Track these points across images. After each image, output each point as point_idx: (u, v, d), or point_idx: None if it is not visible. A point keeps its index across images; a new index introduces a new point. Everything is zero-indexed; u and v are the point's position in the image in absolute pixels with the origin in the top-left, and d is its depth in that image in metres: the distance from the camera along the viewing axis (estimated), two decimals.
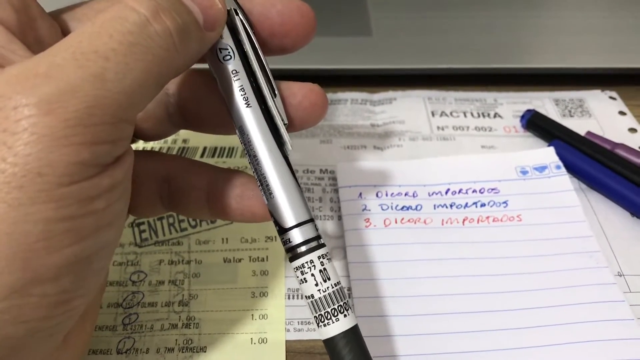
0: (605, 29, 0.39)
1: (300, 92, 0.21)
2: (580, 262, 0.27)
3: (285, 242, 0.20)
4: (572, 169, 0.31)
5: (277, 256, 0.27)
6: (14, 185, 0.14)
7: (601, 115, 0.35)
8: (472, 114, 0.35)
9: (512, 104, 0.36)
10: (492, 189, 0.30)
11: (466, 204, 0.29)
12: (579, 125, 0.34)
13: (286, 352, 0.24)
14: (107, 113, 0.15)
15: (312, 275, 0.19)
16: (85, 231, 0.16)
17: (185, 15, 0.18)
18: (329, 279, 0.19)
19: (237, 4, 0.20)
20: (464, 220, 0.29)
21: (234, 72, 0.20)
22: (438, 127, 0.34)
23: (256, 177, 0.20)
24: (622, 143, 0.32)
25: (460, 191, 0.30)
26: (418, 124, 0.35)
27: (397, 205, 0.29)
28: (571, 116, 0.35)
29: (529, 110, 0.34)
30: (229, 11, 0.20)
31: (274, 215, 0.20)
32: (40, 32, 0.18)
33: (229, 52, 0.20)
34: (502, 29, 0.39)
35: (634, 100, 0.37)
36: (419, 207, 0.29)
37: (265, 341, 0.24)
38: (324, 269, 0.19)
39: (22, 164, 0.14)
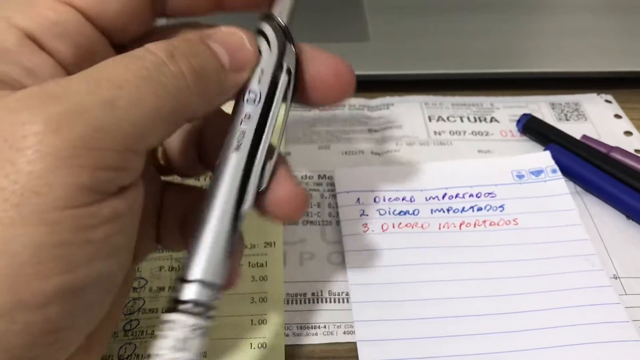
0: (601, 32, 0.40)
1: (324, 64, 0.20)
2: (576, 265, 0.27)
3: (176, 290, 0.18)
4: (568, 173, 0.31)
5: (276, 262, 0.28)
6: (11, 203, 0.14)
7: (597, 119, 0.36)
8: (468, 119, 0.36)
9: (508, 108, 0.37)
10: (489, 193, 0.30)
11: (463, 208, 0.30)
12: (575, 129, 0.34)
13: (285, 356, 0.24)
14: (113, 139, 0.15)
15: (174, 337, 0.17)
16: (77, 261, 0.15)
17: (205, 58, 0.18)
18: (185, 350, 0.18)
19: (297, 59, 0.20)
20: (460, 224, 0.29)
21: (247, 115, 0.19)
22: (435, 132, 0.35)
23: (199, 212, 0.19)
24: (617, 146, 0.32)
25: (457, 196, 0.30)
26: (415, 129, 0.35)
27: (395, 210, 0.29)
28: (567, 120, 0.36)
29: (525, 115, 0.34)
30: (281, 66, 0.20)
31: (186, 259, 0.19)
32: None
33: (255, 97, 0.19)
34: (499, 34, 0.39)
35: (629, 103, 0.37)
36: (416, 212, 0.29)
37: (264, 346, 0.25)
38: (189, 339, 0.18)
39: (22, 181, 0.14)
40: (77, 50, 0.18)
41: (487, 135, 0.35)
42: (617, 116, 0.36)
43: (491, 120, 0.36)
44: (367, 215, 0.29)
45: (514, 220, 0.29)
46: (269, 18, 0.20)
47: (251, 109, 0.19)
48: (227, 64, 0.18)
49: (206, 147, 0.22)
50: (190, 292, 0.18)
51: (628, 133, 0.35)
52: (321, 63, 0.20)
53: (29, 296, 0.14)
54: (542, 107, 0.37)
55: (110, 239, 0.16)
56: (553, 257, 0.27)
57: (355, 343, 0.24)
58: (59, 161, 0.14)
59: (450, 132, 0.35)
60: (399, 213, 0.29)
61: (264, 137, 0.19)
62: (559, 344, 0.24)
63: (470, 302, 0.26)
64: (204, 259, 0.18)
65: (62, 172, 0.14)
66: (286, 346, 0.24)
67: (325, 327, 0.25)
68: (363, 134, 0.35)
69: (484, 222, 0.29)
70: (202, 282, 0.18)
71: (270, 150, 0.20)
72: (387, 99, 0.37)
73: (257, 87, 0.19)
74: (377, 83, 0.37)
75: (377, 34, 0.39)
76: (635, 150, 0.33)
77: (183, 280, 0.18)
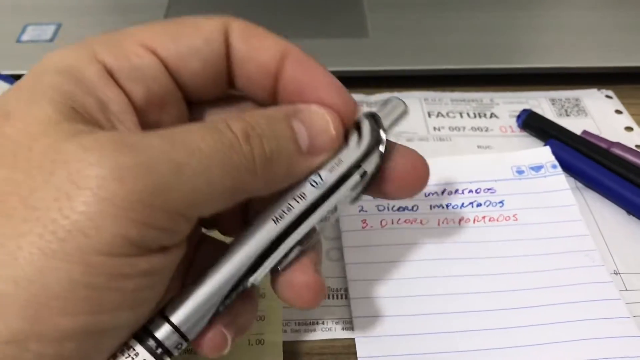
0: (601, 27, 0.39)
1: (403, 159, 0.21)
2: (576, 260, 0.27)
3: (150, 326, 0.18)
4: (568, 168, 0.31)
5: None
6: (57, 237, 0.14)
7: (597, 114, 0.35)
8: (468, 115, 0.35)
9: (508, 104, 0.36)
10: (488, 189, 0.30)
11: (462, 204, 0.29)
12: (575, 125, 0.34)
13: (284, 353, 0.24)
14: (170, 201, 0.15)
15: None
16: (105, 305, 0.15)
17: (282, 141, 0.18)
18: None
19: (379, 164, 0.19)
20: (460, 220, 0.29)
21: (302, 194, 0.19)
22: (434, 128, 0.34)
23: (213, 261, 0.19)
24: (618, 142, 0.32)
25: (456, 191, 0.30)
26: (414, 124, 0.35)
27: (394, 206, 0.29)
28: (567, 115, 0.35)
29: (525, 110, 0.34)
30: (359, 166, 0.19)
31: (177, 296, 0.18)
32: (164, 117, 0.19)
33: (319, 183, 0.19)
34: (498, 29, 0.39)
35: (630, 98, 0.37)
36: (415, 208, 0.29)
37: (262, 342, 0.24)
38: None
39: (73, 218, 0.14)
40: (150, 95, 0.18)
41: (486, 131, 0.34)
42: (618, 111, 0.36)
43: (491, 116, 0.35)
44: (366, 211, 0.29)
45: (513, 216, 0.29)
46: (373, 118, 0.20)
47: (309, 191, 0.19)
48: (305, 147, 0.18)
49: (253, 210, 0.22)
50: (162, 331, 0.18)
51: (629, 128, 0.34)
52: (400, 157, 0.21)
53: (48, 329, 0.15)
54: (542, 102, 0.36)
55: (140, 292, 0.16)
56: (553, 253, 0.27)
57: (353, 339, 0.24)
58: (114, 210, 0.15)
59: (449, 128, 0.34)
60: (398, 209, 0.29)
61: (307, 221, 0.19)
62: (559, 340, 0.24)
63: (470, 298, 0.25)
64: (189, 307, 0.18)
65: (113, 221, 0.15)
66: (284, 342, 0.24)
67: (323, 323, 0.25)
68: None
69: (484, 218, 0.29)
70: (176, 328, 0.18)
71: (308, 236, 0.19)
72: (387, 95, 0.37)
73: (327, 174, 0.19)
74: (376, 79, 0.37)
75: (376, 29, 0.39)
76: (636, 146, 0.33)
77: (163, 313, 0.18)
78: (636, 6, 0.41)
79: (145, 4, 0.42)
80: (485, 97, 0.37)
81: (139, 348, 0.17)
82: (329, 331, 0.25)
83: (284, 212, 0.18)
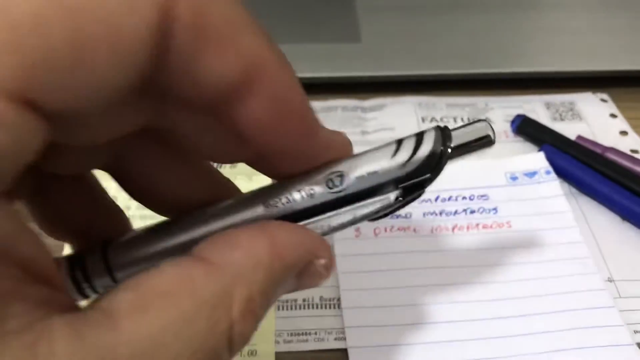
0: (596, 30, 0.39)
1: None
2: (570, 268, 0.27)
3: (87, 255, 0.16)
4: (563, 174, 0.31)
5: None
6: None
7: (592, 119, 0.35)
8: (462, 120, 0.35)
9: (503, 109, 0.36)
10: (482, 196, 0.30)
11: (455, 211, 0.29)
12: (569, 129, 0.34)
13: None
14: None
15: None
16: None
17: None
18: None
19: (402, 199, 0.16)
20: (453, 227, 0.28)
21: (310, 191, 0.15)
22: None
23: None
24: (612, 147, 0.32)
25: (449, 198, 0.30)
26: (408, 130, 0.34)
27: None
28: (562, 120, 0.35)
29: (519, 116, 0.34)
30: (393, 187, 0.16)
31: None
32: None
33: (337, 186, 0.15)
34: (492, 34, 0.39)
35: (625, 102, 0.36)
36: (408, 215, 0.29)
37: (255, 353, 0.24)
38: None
39: None
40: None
41: None
42: (613, 115, 0.36)
43: None
44: None
45: (507, 223, 0.29)
46: (442, 134, 0.16)
47: (320, 191, 0.15)
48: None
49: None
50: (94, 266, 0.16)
51: (624, 133, 0.34)
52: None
53: None
54: (536, 107, 0.36)
55: None
56: (547, 260, 0.27)
57: (346, 350, 0.24)
58: None
59: None
60: (391, 216, 0.29)
61: (304, 222, 0.16)
62: (552, 348, 0.24)
63: (463, 307, 0.25)
64: (131, 260, 0.16)
65: None
66: (276, 353, 0.24)
67: (316, 333, 0.25)
68: (356, 136, 0.34)
69: (477, 225, 0.29)
70: (110, 271, 0.16)
71: None
72: (380, 100, 0.37)
73: (350, 180, 0.15)
74: (369, 84, 0.37)
75: (369, 34, 0.39)
76: (631, 150, 0.33)
77: (106, 255, 0.16)
78: (631, 9, 0.41)
79: None
80: (479, 101, 0.37)
81: (64, 267, 0.16)
82: (321, 341, 0.25)
83: (279, 200, 0.15)
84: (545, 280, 0.26)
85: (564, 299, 0.25)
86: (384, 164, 0.16)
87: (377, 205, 0.16)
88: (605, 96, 0.37)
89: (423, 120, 0.35)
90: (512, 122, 0.34)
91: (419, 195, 0.16)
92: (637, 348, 0.24)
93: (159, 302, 0.12)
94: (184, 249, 0.15)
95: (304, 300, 0.26)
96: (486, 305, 0.25)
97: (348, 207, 0.16)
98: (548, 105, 0.36)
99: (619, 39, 0.39)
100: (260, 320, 0.14)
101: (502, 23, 0.40)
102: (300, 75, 0.15)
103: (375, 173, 0.16)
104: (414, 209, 0.29)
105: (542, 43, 0.39)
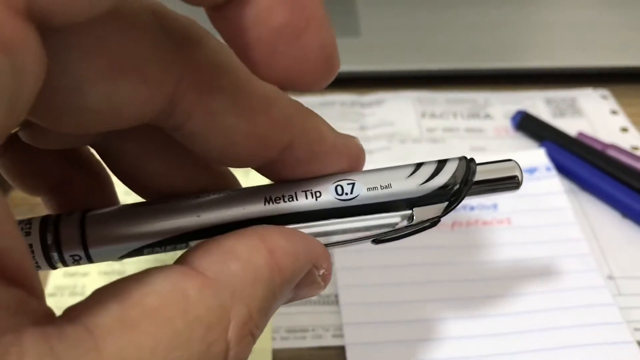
0: (597, 26, 0.39)
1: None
2: (570, 265, 0.26)
3: (63, 218, 0.15)
4: (563, 171, 0.31)
5: None
6: None
7: (593, 115, 0.35)
8: (462, 115, 0.35)
9: (503, 104, 0.36)
10: None
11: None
12: (570, 125, 0.34)
13: None
14: None
15: None
16: None
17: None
18: None
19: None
20: (452, 224, 0.28)
21: (316, 193, 0.15)
22: (428, 129, 0.34)
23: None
24: (613, 144, 0.32)
25: None
26: (407, 126, 0.34)
27: None
28: (562, 116, 0.35)
29: (519, 112, 0.34)
30: (406, 207, 0.15)
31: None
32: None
33: (346, 191, 0.14)
34: (493, 29, 0.39)
35: (626, 98, 0.36)
36: None
37: (251, 350, 0.24)
38: None
39: None
40: None
41: (480, 132, 0.34)
42: (614, 112, 0.35)
43: (485, 117, 0.35)
44: None
45: (507, 220, 0.28)
46: (466, 165, 0.15)
47: (327, 198, 0.14)
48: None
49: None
50: (69, 232, 0.15)
51: (624, 129, 0.34)
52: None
53: None
54: (537, 102, 0.36)
55: None
56: (547, 257, 0.27)
57: (344, 346, 0.24)
58: None
59: (443, 129, 0.34)
60: None
61: (301, 225, 0.15)
62: (552, 346, 0.24)
63: (462, 304, 0.25)
64: (108, 238, 0.15)
65: None
66: (274, 350, 0.24)
67: (313, 330, 0.25)
68: (354, 132, 0.34)
69: (477, 221, 0.28)
70: (84, 244, 0.15)
71: None
72: (379, 95, 0.36)
73: (361, 190, 0.14)
74: (368, 79, 0.37)
75: (368, 28, 0.38)
76: (632, 147, 0.33)
77: (83, 223, 0.15)
78: (632, 5, 0.41)
79: None
80: (479, 97, 0.36)
81: (35, 226, 0.14)
82: (319, 338, 0.25)
83: (282, 197, 0.14)
84: (545, 277, 0.26)
85: (564, 296, 0.25)
86: (398, 181, 0.15)
87: (383, 223, 0.15)
88: (606, 92, 0.37)
89: (422, 115, 0.35)
90: (513, 118, 0.34)
91: (432, 225, 0.15)
92: (638, 346, 0.24)
93: (147, 320, 0.11)
94: (171, 237, 0.14)
95: None
96: (485, 302, 0.25)
97: (353, 219, 0.15)
98: (549, 101, 0.36)
99: (620, 35, 0.38)
100: (257, 339, 0.13)
101: (503, 18, 0.39)
102: None
103: (387, 188, 0.15)
104: None
105: (543, 38, 0.38)
